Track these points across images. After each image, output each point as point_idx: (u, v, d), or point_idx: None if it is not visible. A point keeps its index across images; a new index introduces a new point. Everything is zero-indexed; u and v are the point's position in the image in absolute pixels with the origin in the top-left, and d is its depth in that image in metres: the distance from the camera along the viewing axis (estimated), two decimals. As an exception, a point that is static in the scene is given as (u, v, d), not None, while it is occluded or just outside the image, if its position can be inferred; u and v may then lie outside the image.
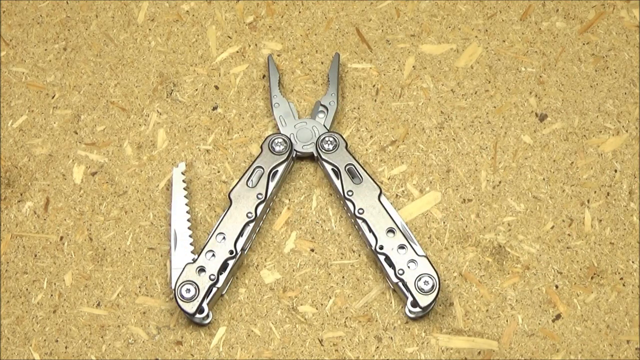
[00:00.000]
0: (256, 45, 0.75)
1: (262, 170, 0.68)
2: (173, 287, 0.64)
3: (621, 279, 0.66)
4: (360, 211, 0.66)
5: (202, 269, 0.64)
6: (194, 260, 0.65)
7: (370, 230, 0.65)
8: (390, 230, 0.65)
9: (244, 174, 0.68)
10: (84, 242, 0.68)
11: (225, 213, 0.66)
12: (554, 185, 0.69)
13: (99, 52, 0.76)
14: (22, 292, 0.67)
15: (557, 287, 0.66)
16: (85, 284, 0.67)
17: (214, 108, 0.73)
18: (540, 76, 0.73)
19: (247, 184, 0.67)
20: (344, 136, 0.70)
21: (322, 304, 0.66)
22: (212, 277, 0.64)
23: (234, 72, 0.74)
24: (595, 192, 0.69)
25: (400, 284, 0.64)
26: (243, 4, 0.77)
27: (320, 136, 0.69)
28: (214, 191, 0.70)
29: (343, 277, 0.67)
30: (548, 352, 0.64)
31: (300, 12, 0.77)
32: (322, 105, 0.71)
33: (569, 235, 0.67)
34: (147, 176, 0.71)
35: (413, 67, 0.74)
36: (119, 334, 0.65)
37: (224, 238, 0.65)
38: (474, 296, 0.66)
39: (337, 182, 0.67)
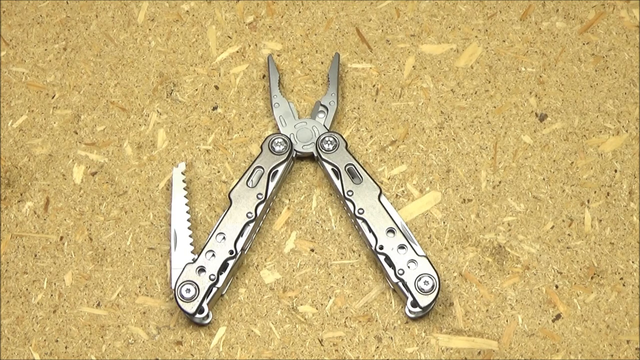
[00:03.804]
0: (256, 45, 0.75)
1: (262, 170, 0.68)
2: (173, 287, 0.64)
3: (621, 279, 0.66)
4: (360, 211, 0.66)
5: (202, 269, 0.64)
6: (194, 260, 0.65)
7: (370, 230, 0.65)
8: (390, 230, 0.65)
9: (244, 174, 0.68)
10: (84, 242, 0.68)
11: (225, 213, 0.66)
12: (554, 185, 0.69)
13: (99, 52, 0.76)
14: (22, 292, 0.67)
15: (557, 287, 0.66)
16: (85, 284, 0.67)
17: (214, 108, 0.73)
18: (540, 76, 0.73)
19: (247, 184, 0.67)
20: (344, 136, 0.70)
21: (322, 304, 0.66)
22: (212, 277, 0.64)
23: (234, 72, 0.74)
24: (595, 192, 0.69)
25: (400, 284, 0.64)
26: (243, 4, 0.77)
27: (320, 136, 0.69)
28: (214, 191, 0.70)
29: (343, 277, 0.67)
30: (548, 352, 0.64)
31: (300, 12, 0.77)
32: (322, 105, 0.71)
33: (569, 235, 0.67)
34: (147, 176, 0.71)
35: (413, 67, 0.74)
36: (119, 334, 0.65)
37: (224, 238, 0.65)
38: (474, 296, 0.66)
39: (337, 182, 0.67)
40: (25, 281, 0.68)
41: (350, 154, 0.68)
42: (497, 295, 0.66)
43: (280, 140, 0.69)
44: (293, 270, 0.67)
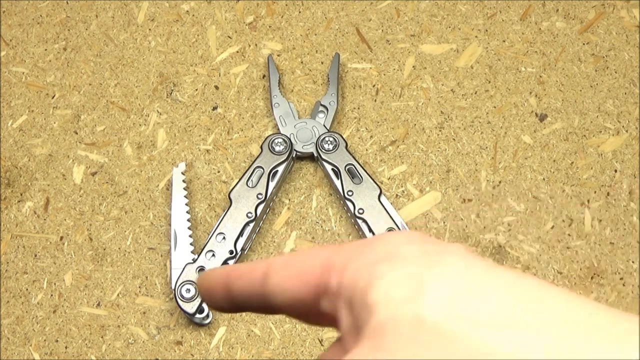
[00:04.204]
0: (256, 45, 0.75)
1: (262, 170, 0.68)
2: (173, 287, 0.64)
3: (621, 279, 0.66)
4: (360, 211, 0.66)
5: (202, 269, 0.64)
6: (194, 260, 0.65)
7: (370, 230, 0.65)
8: (391, 230, 0.65)
9: (244, 174, 0.68)
10: (84, 242, 0.68)
11: (225, 213, 0.66)
12: (554, 185, 0.69)
13: (99, 52, 0.76)
14: (22, 292, 0.67)
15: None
16: (85, 284, 0.67)
17: (214, 108, 0.73)
18: (540, 76, 0.73)
19: (247, 184, 0.67)
20: (344, 136, 0.70)
21: (322, 304, 0.66)
22: (212, 277, 0.64)
23: (234, 72, 0.74)
24: (595, 192, 0.69)
25: (400, 284, 0.64)
26: (243, 4, 0.77)
27: (320, 136, 0.69)
28: (214, 191, 0.70)
29: (343, 277, 0.67)
30: (548, 352, 0.64)
31: (300, 12, 0.77)
32: (322, 105, 0.71)
33: (569, 235, 0.67)
34: (147, 176, 0.71)
35: (413, 67, 0.74)
36: (119, 334, 0.65)
37: (224, 238, 0.65)
38: (474, 296, 0.66)
39: (337, 182, 0.67)
40: (25, 281, 0.67)
41: (350, 154, 0.68)
42: (497, 295, 0.66)
43: (280, 140, 0.69)
44: (293, 270, 0.67)
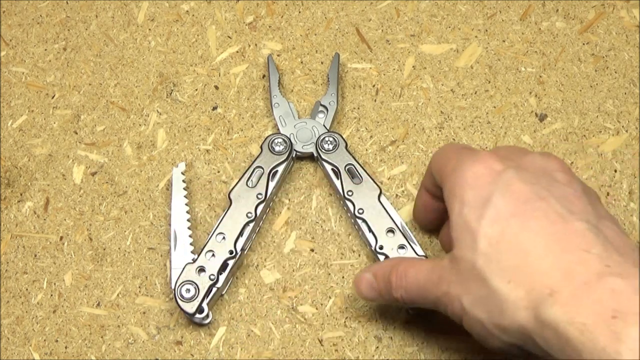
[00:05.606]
0: (256, 45, 0.75)
1: (262, 170, 0.68)
2: (173, 287, 0.64)
3: (621, 279, 0.66)
4: (360, 211, 0.66)
5: (202, 269, 0.64)
6: (194, 260, 0.65)
7: (370, 230, 0.65)
8: (390, 230, 0.65)
9: (244, 174, 0.68)
10: (84, 242, 0.68)
11: (225, 213, 0.66)
12: (554, 185, 0.69)
13: (99, 52, 0.76)
14: (22, 292, 0.67)
15: (557, 287, 0.66)
16: (85, 284, 0.67)
17: (214, 108, 0.73)
18: (540, 76, 0.73)
19: (247, 184, 0.67)
20: (344, 136, 0.70)
21: (322, 304, 0.66)
22: (212, 277, 0.64)
23: (234, 72, 0.74)
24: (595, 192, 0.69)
25: (400, 284, 0.64)
26: (243, 4, 0.77)
27: (320, 136, 0.69)
28: (214, 191, 0.70)
29: (343, 277, 0.67)
30: (548, 352, 0.64)
31: (300, 12, 0.77)
32: (322, 105, 0.71)
33: (569, 235, 0.67)
34: (147, 176, 0.71)
35: (413, 67, 0.74)
36: (119, 334, 0.65)
37: (224, 238, 0.65)
38: (474, 296, 0.66)
39: (337, 182, 0.67)
40: (25, 281, 0.68)
41: (350, 154, 0.68)
42: (497, 295, 0.66)
43: (280, 140, 0.69)
44: (293, 270, 0.67)
